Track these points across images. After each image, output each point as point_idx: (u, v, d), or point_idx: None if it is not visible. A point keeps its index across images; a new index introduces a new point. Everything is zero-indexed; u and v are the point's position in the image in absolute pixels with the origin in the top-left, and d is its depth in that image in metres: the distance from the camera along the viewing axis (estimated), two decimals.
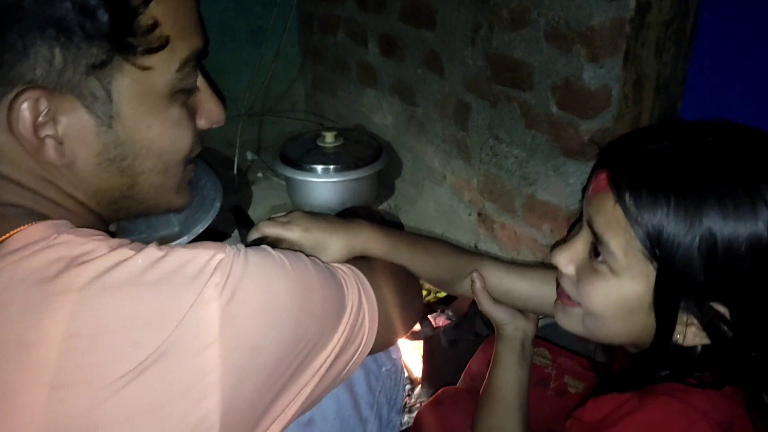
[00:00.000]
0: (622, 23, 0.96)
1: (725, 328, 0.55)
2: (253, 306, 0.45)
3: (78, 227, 0.48)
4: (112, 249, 0.44)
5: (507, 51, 1.12)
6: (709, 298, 0.55)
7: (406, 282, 0.68)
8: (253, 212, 1.54)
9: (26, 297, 0.42)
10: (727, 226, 0.52)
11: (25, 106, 0.46)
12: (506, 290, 0.81)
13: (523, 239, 1.24)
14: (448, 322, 1.11)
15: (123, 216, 0.57)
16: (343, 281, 0.55)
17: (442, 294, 1.16)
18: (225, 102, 0.59)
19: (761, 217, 0.52)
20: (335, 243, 0.70)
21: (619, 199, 0.55)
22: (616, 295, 0.58)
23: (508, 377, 0.77)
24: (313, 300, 0.50)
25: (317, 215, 0.72)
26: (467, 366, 0.97)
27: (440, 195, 1.48)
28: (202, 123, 0.57)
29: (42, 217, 0.48)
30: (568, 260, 0.62)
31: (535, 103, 1.11)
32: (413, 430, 0.91)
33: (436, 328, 1.09)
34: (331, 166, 1.44)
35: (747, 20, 0.95)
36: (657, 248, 0.54)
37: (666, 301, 0.56)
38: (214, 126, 0.58)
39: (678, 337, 0.58)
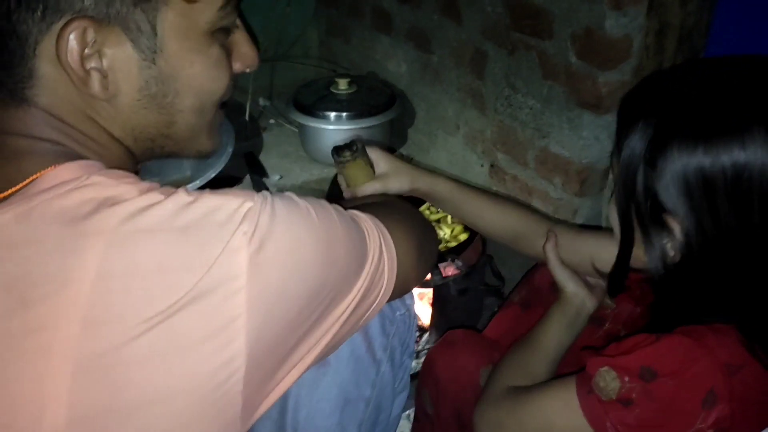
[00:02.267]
0: None
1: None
2: (280, 256, 0.46)
3: (110, 167, 0.49)
4: (143, 192, 0.45)
5: None
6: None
7: (423, 230, 0.69)
8: (265, 159, 1.54)
9: (59, 235, 0.43)
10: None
11: (73, 36, 0.46)
12: (575, 250, 0.83)
13: (534, 192, 1.24)
14: (457, 271, 1.13)
15: (157, 155, 0.58)
16: (365, 231, 0.56)
17: (453, 243, 1.17)
18: (259, 47, 0.59)
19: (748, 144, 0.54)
20: (406, 172, 0.85)
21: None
22: None
23: (552, 333, 0.79)
24: (337, 249, 0.51)
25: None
26: (530, 276, 0.97)
27: (453, 145, 1.47)
28: (237, 66, 0.57)
29: (74, 156, 0.49)
30: None
31: (553, 53, 1.09)
32: (423, 370, 0.93)
33: (446, 276, 1.11)
34: (344, 114, 1.43)
35: None
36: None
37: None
38: (248, 70, 0.58)
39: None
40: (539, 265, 0.96)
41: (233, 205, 0.46)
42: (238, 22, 0.56)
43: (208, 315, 0.43)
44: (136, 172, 0.56)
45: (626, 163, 0.60)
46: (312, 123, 1.44)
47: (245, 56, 0.57)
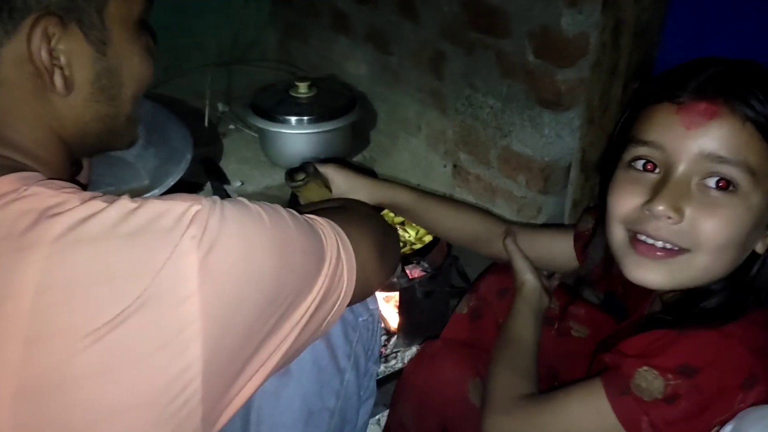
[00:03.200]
0: None
1: None
2: (231, 259, 0.45)
3: (51, 174, 0.48)
4: (84, 201, 0.44)
5: None
6: None
7: (383, 232, 0.68)
8: (224, 165, 1.50)
9: None
10: None
11: (41, 33, 0.47)
12: (531, 247, 0.86)
13: (498, 191, 1.24)
14: (423, 273, 1.12)
15: (96, 150, 0.59)
16: (322, 234, 0.55)
17: (418, 245, 1.16)
18: (156, 39, 0.61)
19: None
20: (364, 187, 0.86)
21: (747, 116, 0.57)
22: (747, 217, 0.59)
23: (526, 326, 0.81)
24: (293, 252, 0.50)
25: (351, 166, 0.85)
26: (475, 286, 0.97)
27: (415, 147, 1.46)
28: None
29: (13, 168, 0.47)
30: (678, 204, 0.59)
31: (511, 51, 1.09)
32: (402, 384, 0.91)
33: (412, 279, 1.10)
34: (305, 117, 1.41)
35: None
36: None
37: None
38: None
39: (759, 246, 0.62)
40: (484, 275, 0.97)
41: (180, 209, 0.44)
42: None
43: (158, 323, 0.42)
44: (80, 185, 0.54)
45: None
46: (272, 127, 1.42)
47: (150, 47, 0.59)
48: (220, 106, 1.69)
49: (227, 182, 1.43)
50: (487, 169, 1.24)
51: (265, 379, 0.51)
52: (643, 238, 0.61)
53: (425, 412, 0.86)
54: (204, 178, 1.42)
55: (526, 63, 1.07)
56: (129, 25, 0.53)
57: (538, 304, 0.83)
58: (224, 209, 0.46)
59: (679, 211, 0.59)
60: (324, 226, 0.56)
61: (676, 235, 0.60)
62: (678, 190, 0.59)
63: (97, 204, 0.44)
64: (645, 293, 0.74)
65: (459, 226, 0.91)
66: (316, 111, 1.42)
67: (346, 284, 0.57)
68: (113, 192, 0.48)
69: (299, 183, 0.81)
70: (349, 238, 0.58)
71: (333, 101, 1.46)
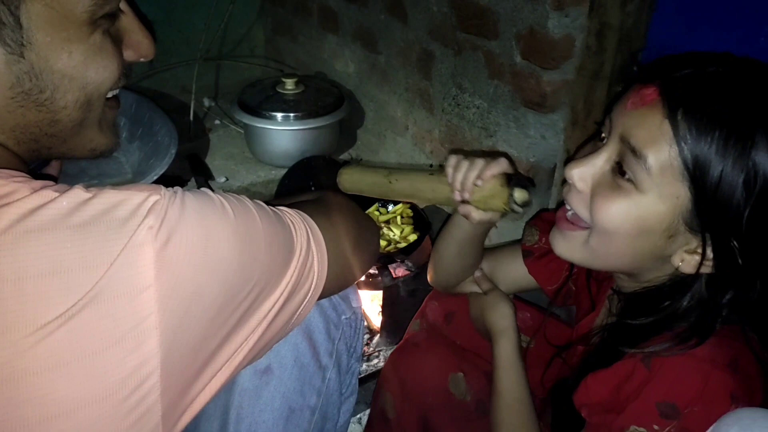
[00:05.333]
0: None
1: (731, 262, 0.57)
2: (190, 250, 0.43)
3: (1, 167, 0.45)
4: (35, 191, 0.42)
5: None
6: (733, 233, 0.56)
7: (358, 222, 0.67)
8: (210, 160, 1.50)
9: None
10: None
11: None
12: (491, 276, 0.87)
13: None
14: (407, 272, 1.12)
15: (45, 156, 0.54)
16: (291, 225, 0.54)
17: (403, 244, 1.16)
18: (154, 35, 0.56)
19: None
20: None
21: (671, 115, 0.54)
22: (636, 212, 0.58)
23: (520, 381, 0.77)
24: (257, 244, 0.48)
25: None
26: (422, 311, 0.98)
27: (402, 145, 1.46)
28: (128, 54, 0.54)
29: None
30: (584, 175, 0.60)
31: (499, 53, 1.09)
32: (386, 372, 0.91)
33: (396, 278, 1.10)
34: (291, 114, 1.41)
35: None
36: (699, 172, 0.54)
37: (699, 225, 0.57)
38: (143, 59, 0.55)
39: (680, 264, 0.59)
40: (427, 301, 0.97)
41: (137, 199, 0.43)
42: (125, 7, 0.53)
43: (112, 316, 0.41)
44: (49, 177, 0.52)
45: (712, 179, 0.56)
46: (258, 124, 1.41)
47: (138, 45, 0.54)
48: (206, 102, 1.68)
49: (212, 178, 1.43)
50: None
51: (235, 373, 0.50)
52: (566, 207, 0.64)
53: (406, 399, 0.87)
54: (189, 173, 1.41)
55: (513, 64, 1.07)
56: (65, 25, 0.47)
57: (519, 349, 0.80)
58: (184, 199, 0.45)
59: (585, 182, 0.60)
60: (293, 217, 0.55)
61: (580, 206, 0.61)
62: (596, 163, 0.60)
63: (48, 194, 0.42)
64: (594, 296, 0.76)
65: (467, 260, 0.87)
66: (303, 108, 1.42)
67: (317, 276, 0.55)
68: (96, 185, 0.46)
69: (518, 208, 0.66)
70: (320, 229, 0.56)
71: (320, 99, 1.45)
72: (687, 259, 0.59)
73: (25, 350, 0.39)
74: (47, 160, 0.63)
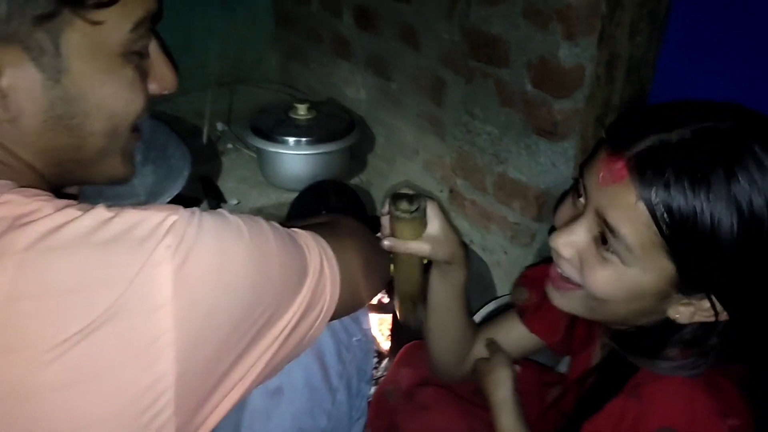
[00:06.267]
0: (597, 2, 0.96)
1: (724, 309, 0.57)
2: (207, 269, 0.44)
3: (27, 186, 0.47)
4: (58, 209, 0.43)
5: (484, 26, 1.12)
6: (724, 290, 0.56)
7: (371, 246, 0.68)
8: (223, 184, 1.51)
9: None
10: (756, 203, 0.52)
11: None
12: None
13: (493, 217, 1.25)
14: None
15: (67, 181, 0.56)
16: (305, 247, 0.54)
17: None
18: (178, 69, 0.58)
19: None
20: (453, 242, 0.74)
21: (643, 196, 0.53)
22: (625, 284, 0.58)
23: None
24: (272, 265, 0.49)
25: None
26: (392, 379, 0.94)
27: (412, 171, 1.47)
28: (153, 87, 0.55)
29: None
30: (568, 246, 0.60)
31: (510, 81, 1.11)
32: (395, 363, 0.89)
33: None
34: (303, 139, 1.42)
35: (721, 4, 0.96)
36: (680, 248, 0.54)
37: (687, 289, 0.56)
38: (165, 93, 0.57)
39: (677, 316, 0.58)
40: (399, 366, 0.93)
41: (156, 219, 0.44)
42: (155, 44, 0.55)
43: (129, 333, 0.41)
44: (70, 196, 0.53)
45: (700, 249, 0.56)
46: (270, 148, 1.43)
47: (163, 78, 0.56)
48: (220, 126, 1.71)
49: (223, 200, 1.44)
50: (483, 194, 1.25)
51: (246, 393, 0.51)
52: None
53: None
54: (201, 195, 1.43)
55: (524, 92, 1.09)
56: (101, 56, 0.49)
57: (520, 417, 0.77)
58: (202, 220, 0.45)
59: (571, 251, 0.60)
60: (307, 238, 0.56)
61: (572, 271, 0.61)
62: (579, 232, 0.59)
63: (71, 212, 0.43)
64: (587, 338, 0.75)
65: (450, 332, 0.84)
66: (315, 133, 1.44)
67: (329, 298, 0.56)
68: (111, 206, 0.47)
69: (404, 215, 0.70)
70: (333, 251, 0.57)
71: (331, 124, 1.47)
72: (682, 311, 0.59)
73: (42, 366, 0.40)
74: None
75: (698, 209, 0.52)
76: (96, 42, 0.48)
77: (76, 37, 0.47)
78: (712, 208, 0.52)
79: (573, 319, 0.77)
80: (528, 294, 0.82)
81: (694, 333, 0.60)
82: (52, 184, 0.55)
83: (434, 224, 0.72)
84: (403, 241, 0.72)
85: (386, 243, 0.71)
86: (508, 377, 0.78)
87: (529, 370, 0.89)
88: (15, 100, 0.47)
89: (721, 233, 0.52)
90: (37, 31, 0.46)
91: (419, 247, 0.72)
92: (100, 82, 0.50)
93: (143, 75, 0.54)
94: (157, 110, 1.67)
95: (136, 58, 0.52)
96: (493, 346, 0.83)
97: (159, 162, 1.34)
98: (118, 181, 0.58)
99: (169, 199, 1.17)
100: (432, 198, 0.73)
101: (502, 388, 0.78)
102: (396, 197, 0.71)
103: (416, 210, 0.70)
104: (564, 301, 0.65)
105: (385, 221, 0.74)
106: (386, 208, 0.72)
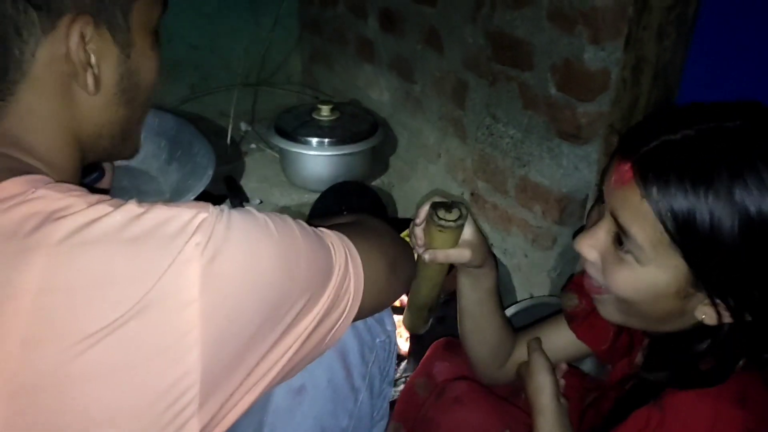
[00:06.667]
0: (624, 5, 0.96)
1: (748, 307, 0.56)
2: (235, 267, 0.45)
3: (60, 179, 0.49)
4: (90, 205, 0.44)
5: (508, 29, 1.11)
6: (739, 289, 0.55)
7: (396, 247, 0.68)
8: (246, 183, 1.53)
9: (1, 251, 0.42)
10: (763, 206, 0.52)
11: (77, 33, 0.49)
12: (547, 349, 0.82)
13: (514, 220, 1.24)
14: None
15: (102, 157, 0.60)
16: (331, 246, 0.55)
17: None
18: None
19: None
20: (484, 248, 0.74)
21: (647, 195, 0.55)
22: (643, 283, 0.58)
23: None
24: (298, 263, 0.50)
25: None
26: (426, 372, 0.93)
27: (434, 173, 1.48)
28: None
29: (22, 170, 0.47)
30: (590, 248, 0.62)
31: (533, 84, 1.11)
32: (425, 428, 0.87)
33: None
34: (326, 140, 1.43)
35: (750, 10, 0.95)
36: (688, 243, 0.54)
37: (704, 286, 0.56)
38: None
39: (703, 317, 0.58)
40: (437, 360, 0.92)
41: (186, 216, 0.44)
42: None
43: (157, 328, 0.42)
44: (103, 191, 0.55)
45: (705, 242, 0.56)
46: (293, 148, 1.44)
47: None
48: (243, 126, 1.73)
49: (246, 200, 1.46)
50: (504, 198, 1.25)
51: (266, 389, 0.51)
52: None
53: None
54: (225, 195, 1.44)
55: (548, 96, 1.08)
56: (148, 30, 0.55)
57: (561, 424, 0.76)
58: (231, 218, 0.46)
59: (592, 254, 0.61)
60: (333, 238, 0.56)
61: (597, 274, 0.62)
62: (599, 235, 0.61)
63: (103, 208, 0.44)
64: (629, 345, 0.75)
65: (487, 336, 0.84)
66: (338, 134, 1.45)
67: (353, 298, 0.56)
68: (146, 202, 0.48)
69: (451, 224, 0.69)
70: (358, 251, 0.57)
71: (354, 125, 1.48)
72: (708, 313, 0.58)
73: (72, 358, 0.40)
74: (100, 174, 0.67)
75: (698, 208, 0.53)
76: (147, 17, 0.54)
77: (137, 13, 0.53)
78: (712, 207, 0.52)
79: (620, 328, 0.77)
80: (577, 300, 0.81)
81: (721, 340, 0.59)
82: (90, 160, 0.59)
83: (468, 230, 0.72)
84: (443, 250, 0.71)
85: (426, 256, 0.72)
86: (550, 383, 0.77)
87: (571, 376, 0.88)
88: (100, 75, 0.52)
89: (722, 233, 0.52)
90: (117, 8, 0.51)
91: (460, 254, 0.71)
92: (150, 57, 0.56)
93: None
94: (183, 110, 1.70)
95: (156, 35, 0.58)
96: (533, 349, 0.82)
97: (184, 160, 1.36)
98: (134, 154, 0.63)
99: (193, 198, 1.18)
100: (464, 203, 0.73)
101: (543, 395, 0.77)
102: (436, 207, 0.70)
103: (459, 218, 0.70)
104: (600, 307, 0.65)
105: (419, 231, 0.73)
106: (421, 219, 0.72)
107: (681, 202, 0.53)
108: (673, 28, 1.02)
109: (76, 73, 0.50)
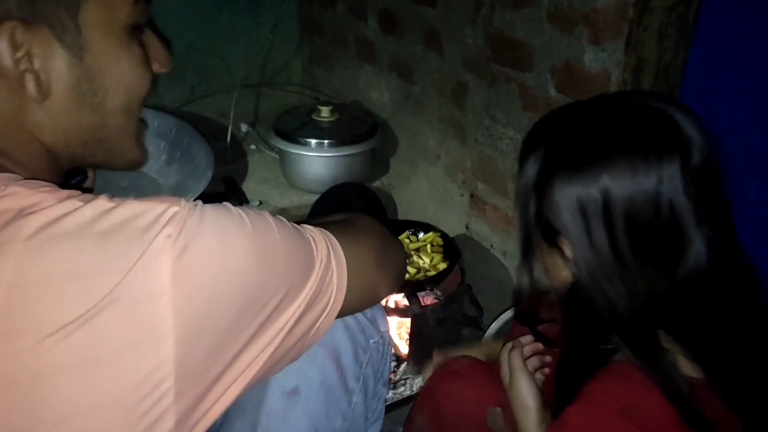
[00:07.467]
0: (625, 6, 0.95)
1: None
2: (207, 259, 0.44)
3: (35, 177, 0.48)
4: (60, 200, 0.44)
5: (508, 31, 1.11)
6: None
7: (383, 242, 0.67)
8: (245, 184, 1.53)
9: None
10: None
11: (3, 38, 0.47)
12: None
13: (514, 221, 1.24)
14: (436, 301, 1.12)
15: (88, 163, 0.58)
16: (311, 239, 0.55)
17: (432, 272, 1.16)
18: (171, 50, 0.60)
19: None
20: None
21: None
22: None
23: None
24: (275, 255, 0.49)
25: None
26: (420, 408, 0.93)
27: (434, 175, 1.47)
28: (154, 66, 0.58)
29: None
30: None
31: (533, 85, 1.10)
32: (423, 398, 0.90)
33: (425, 306, 1.10)
34: (326, 141, 1.43)
35: (751, 10, 0.95)
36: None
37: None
38: (162, 71, 0.59)
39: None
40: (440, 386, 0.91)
41: (158, 209, 0.44)
42: (148, 28, 0.57)
43: (128, 320, 0.42)
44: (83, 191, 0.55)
45: (522, 191, 0.67)
46: (293, 149, 1.44)
47: (159, 57, 0.58)
48: (244, 127, 1.73)
49: (246, 201, 1.45)
50: (504, 199, 1.24)
51: (249, 385, 0.51)
52: None
53: (442, 426, 0.85)
54: (224, 196, 1.44)
55: (548, 97, 1.08)
56: (113, 30, 0.52)
57: (543, 415, 0.76)
58: (203, 211, 0.46)
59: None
60: (314, 233, 0.56)
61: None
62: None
63: (73, 203, 0.44)
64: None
65: None
66: (337, 135, 1.44)
67: (336, 291, 0.56)
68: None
69: None
70: (342, 246, 0.57)
71: (354, 127, 1.48)
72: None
73: (45, 351, 0.41)
74: (83, 176, 0.66)
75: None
76: (109, 15, 0.51)
77: (91, 12, 0.50)
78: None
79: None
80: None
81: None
82: (71, 165, 0.57)
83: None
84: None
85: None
86: (525, 380, 0.77)
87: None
88: (47, 80, 0.49)
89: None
90: (60, 10, 0.48)
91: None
92: (116, 58, 0.52)
93: (146, 53, 0.56)
94: (183, 111, 1.70)
95: (138, 34, 0.55)
96: (508, 349, 0.81)
97: (184, 162, 1.36)
98: (135, 165, 0.60)
99: (192, 199, 1.18)
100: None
101: (521, 395, 0.76)
102: None
103: None
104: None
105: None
106: None
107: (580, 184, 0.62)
108: (674, 29, 1.01)
109: (8, 79, 0.48)
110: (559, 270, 0.67)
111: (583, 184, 0.61)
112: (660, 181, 0.59)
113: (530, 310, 0.77)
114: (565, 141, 0.64)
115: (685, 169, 0.59)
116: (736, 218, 0.66)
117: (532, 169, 0.66)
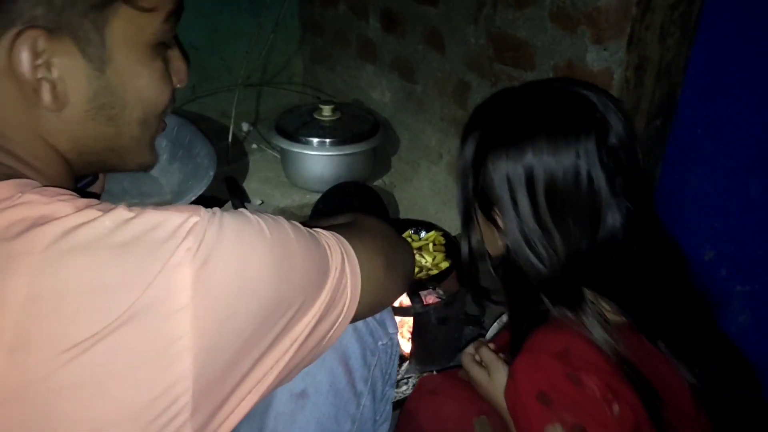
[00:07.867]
0: (628, 5, 0.95)
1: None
2: (227, 271, 0.43)
3: (50, 184, 0.47)
4: (78, 210, 0.43)
5: (510, 30, 1.11)
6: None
7: (393, 246, 0.67)
8: (247, 184, 1.52)
9: None
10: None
11: (25, 46, 0.46)
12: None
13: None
14: (438, 300, 1.11)
15: (98, 169, 0.58)
16: (326, 247, 0.54)
17: (435, 271, 1.16)
18: (189, 63, 0.60)
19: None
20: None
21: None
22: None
23: None
24: (293, 265, 0.49)
25: None
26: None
27: (435, 174, 1.47)
28: (173, 81, 0.57)
29: (9, 175, 0.46)
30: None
31: None
32: (403, 422, 0.89)
33: (427, 305, 1.10)
34: (327, 140, 1.43)
35: (754, 8, 0.95)
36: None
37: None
38: (178, 86, 0.59)
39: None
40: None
41: (177, 220, 0.43)
42: (172, 39, 0.57)
43: (147, 336, 0.41)
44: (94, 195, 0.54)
45: (462, 169, 0.77)
46: (294, 148, 1.44)
47: (178, 71, 0.58)
48: (245, 126, 1.72)
49: (247, 201, 1.45)
50: None
51: (265, 395, 0.50)
52: None
53: None
54: (225, 195, 1.44)
55: None
56: (139, 47, 0.51)
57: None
58: (222, 221, 0.45)
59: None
60: (329, 238, 0.55)
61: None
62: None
63: (91, 213, 0.43)
64: None
65: None
66: (339, 134, 1.44)
67: (350, 299, 0.55)
68: (136, 205, 0.47)
69: None
70: (355, 251, 0.56)
71: (356, 126, 1.48)
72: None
73: (60, 366, 0.40)
74: (93, 178, 0.66)
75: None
76: (135, 33, 0.51)
77: (120, 28, 0.50)
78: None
79: None
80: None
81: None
82: (81, 172, 0.56)
83: None
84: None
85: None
86: (504, 368, 0.80)
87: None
88: (63, 89, 0.49)
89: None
90: (86, 22, 0.48)
91: None
92: (138, 74, 0.52)
93: (168, 67, 0.56)
94: (184, 110, 1.70)
95: (163, 50, 0.54)
96: (478, 346, 0.85)
97: (185, 161, 1.35)
98: (146, 167, 0.60)
99: (193, 198, 1.18)
100: None
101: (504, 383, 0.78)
102: None
103: None
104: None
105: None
106: None
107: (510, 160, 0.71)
108: (677, 27, 1.01)
109: (24, 88, 0.48)
110: (495, 240, 0.77)
111: (511, 160, 0.70)
112: (578, 156, 0.68)
113: (470, 273, 0.86)
114: (497, 123, 0.74)
115: (601, 144, 0.68)
116: (738, 215, 0.68)
117: (470, 149, 0.75)
